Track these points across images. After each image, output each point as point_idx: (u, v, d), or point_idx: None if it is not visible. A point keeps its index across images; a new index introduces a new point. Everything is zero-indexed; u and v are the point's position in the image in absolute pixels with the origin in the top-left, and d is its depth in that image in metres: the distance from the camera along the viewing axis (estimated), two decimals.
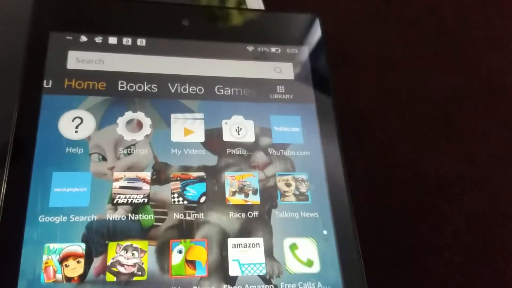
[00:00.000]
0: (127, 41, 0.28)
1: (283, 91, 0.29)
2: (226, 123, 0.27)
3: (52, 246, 0.22)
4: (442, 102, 0.33)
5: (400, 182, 0.30)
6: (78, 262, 0.22)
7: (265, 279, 0.24)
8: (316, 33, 0.31)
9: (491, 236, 0.29)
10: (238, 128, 0.27)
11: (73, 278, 0.22)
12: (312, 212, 0.26)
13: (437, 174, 0.31)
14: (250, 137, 0.27)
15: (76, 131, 0.25)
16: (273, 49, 0.30)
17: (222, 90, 0.28)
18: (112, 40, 0.28)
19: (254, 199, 0.25)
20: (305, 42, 0.30)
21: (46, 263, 0.22)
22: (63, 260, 0.22)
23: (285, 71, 0.29)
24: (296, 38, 0.30)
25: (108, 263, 0.22)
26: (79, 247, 0.23)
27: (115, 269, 0.22)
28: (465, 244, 0.29)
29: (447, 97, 0.33)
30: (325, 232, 0.25)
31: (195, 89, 0.28)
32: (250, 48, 0.29)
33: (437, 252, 0.28)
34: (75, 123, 0.25)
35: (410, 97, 0.33)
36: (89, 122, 0.26)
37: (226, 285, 0.23)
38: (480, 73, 0.35)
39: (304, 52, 0.30)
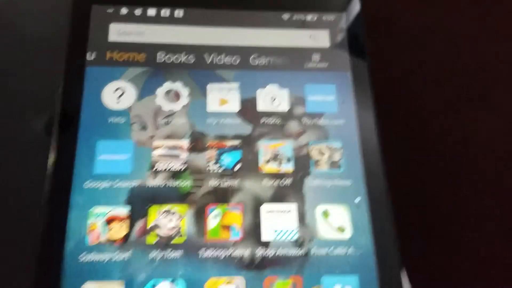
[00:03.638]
0: (165, 12, 0.29)
1: (318, 60, 0.29)
2: (260, 93, 0.28)
3: (97, 210, 0.24)
4: (481, 72, 0.32)
5: (435, 151, 0.30)
6: (121, 225, 0.24)
7: (297, 244, 0.25)
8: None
9: None
10: (272, 97, 0.28)
11: (116, 240, 0.23)
12: (345, 180, 0.26)
13: (473, 145, 0.30)
14: (284, 106, 0.27)
15: (118, 102, 0.26)
16: (308, 17, 0.30)
17: (257, 60, 0.28)
18: (151, 12, 0.29)
19: (287, 167, 0.26)
20: (341, 9, 0.30)
21: (91, 226, 0.24)
22: (107, 223, 0.24)
23: (321, 39, 0.29)
24: (333, 5, 0.30)
25: (149, 227, 0.24)
26: (122, 211, 0.24)
27: (155, 232, 0.24)
28: (501, 215, 0.28)
29: (486, 67, 0.32)
30: (357, 199, 0.26)
31: (230, 59, 0.28)
32: (285, 16, 0.29)
33: (472, 221, 0.28)
34: (117, 94, 0.27)
35: (448, 66, 0.32)
36: (130, 93, 0.27)
37: (259, 249, 0.24)
38: None
39: (341, 19, 0.30)
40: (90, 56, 0.27)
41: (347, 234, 0.25)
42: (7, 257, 0.25)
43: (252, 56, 0.28)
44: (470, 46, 0.33)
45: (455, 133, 0.30)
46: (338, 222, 0.25)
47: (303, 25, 0.29)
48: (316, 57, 0.29)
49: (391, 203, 0.25)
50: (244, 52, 0.28)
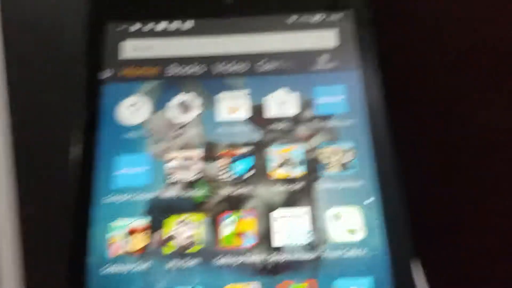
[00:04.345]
0: (175, 25, 0.29)
1: (327, 60, 0.28)
2: (270, 98, 0.28)
3: (117, 223, 0.25)
4: (500, 55, 0.31)
5: (453, 144, 0.29)
6: (141, 236, 0.25)
7: (310, 248, 0.25)
8: None
9: None
10: (282, 102, 0.28)
11: (136, 251, 0.25)
12: (357, 181, 0.26)
13: (494, 134, 0.29)
14: (293, 110, 0.28)
15: (133, 116, 0.27)
16: (315, 17, 0.29)
17: (266, 65, 0.28)
18: (162, 25, 0.29)
19: (298, 172, 0.26)
20: (348, 6, 0.30)
21: (112, 239, 0.25)
22: (127, 235, 0.25)
23: (329, 39, 0.29)
24: (339, 4, 0.30)
25: (166, 237, 0.25)
26: (141, 223, 0.25)
27: (172, 242, 0.25)
28: None
29: (507, 50, 0.31)
30: (370, 199, 0.26)
31: (239, 67, 0.28)
32: (292, 18, 0.29)
33: (493, 218, 0.27)
34: (132, 109, 0.28)
35: (463, 52, 0.31)
36: (145, 107, 0.28)
37: (273, 254, 0.25)
38: None
39: (348, 16, 0.29)
40: (105, 74, 0.28)
41: (360, 236, 0.25)
42: (32, 271, 0.27)
43: (261, 62, 0.29)
44: (489, 28, 0.32)
45: (474, 123, 0.29)
46: (350, 224, 0.25)
47: (310, 26, 0.29)
48: (324, 58, 0.29)
49: (406, 203, 0.25)
50: (252, 58, 0.29)
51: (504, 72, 0.30)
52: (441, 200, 0.28)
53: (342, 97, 0.28)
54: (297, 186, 0.26)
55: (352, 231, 0.25)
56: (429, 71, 0.31)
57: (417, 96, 0.30)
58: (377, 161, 0.26)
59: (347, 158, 0.26)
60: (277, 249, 0.25)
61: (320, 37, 0.29)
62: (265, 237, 0.25)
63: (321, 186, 0.26)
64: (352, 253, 0.25)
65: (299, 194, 0.26)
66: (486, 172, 0.28)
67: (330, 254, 0.25)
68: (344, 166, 0.26)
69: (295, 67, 0.28)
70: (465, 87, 0.30)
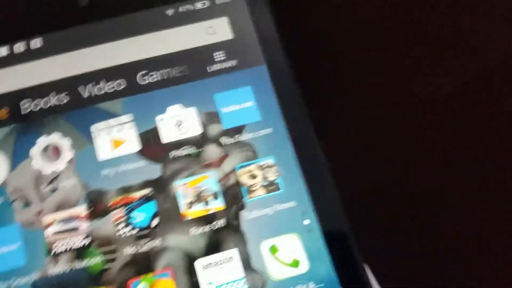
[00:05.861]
0: (19, 47, 0.22)
1: (224, 58, 0.23)
2: (161, 119, 0.22)
3: None
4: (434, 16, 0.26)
5: (390, 128, 0.24)
6: None
7: None
8: None
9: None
10: (178, 122, 0.22)
11: None
12: (288, 201, 0.21)
13: (435, 106, 0.25)
14: (195, 129, 0.22)
15: None
16: (198, 4, 0.24)
17: (147, 77, 0.22)
18: (2, 51, 0.22)
19: (217, 205, 0.21)
20: None
21: None
22: None
23: (220, 29, 0.23)
24: None
25: None
26: None
27: None
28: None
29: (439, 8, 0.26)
30: (306, 221, 0.21)
31: (113, 85, 0.22)
32: (169, 11, 0.23)
33: (435, 218, 0.24)
34: None
35: (388, 18, 0.26)
36: (0, 163, 0.21)
37: None
38: None
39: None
40: None
41: (304, 267, 0.21)
42: None
43: (140, 74, 0.22)
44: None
45: (411, 99, 0.25)
46: (290, 256, 0.21)
47: (194, 17, 0.23)
48: (219, 55, 0.23)
49: (347, 217, 0.21)
50: (128, 71, 0.22)
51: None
52: (385, 207, 0.24)
53: (250, 103, 0.22)
54: (217, 225, 0.21)
55: (293, 264, 0.21)
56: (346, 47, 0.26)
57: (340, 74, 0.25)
58: (306, 174, 0.22)
59: (270, 176, 0.21)
60: None
61: (209, 29, 0.23)
62: None
63: (247, 217, 0.21)
64: None
65: (222, 234, 0.21)
66: (425, 170, 0.24)
67: None
68: (269, 186, 0.21)
69: (185, 74, 0.23)
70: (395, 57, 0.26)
